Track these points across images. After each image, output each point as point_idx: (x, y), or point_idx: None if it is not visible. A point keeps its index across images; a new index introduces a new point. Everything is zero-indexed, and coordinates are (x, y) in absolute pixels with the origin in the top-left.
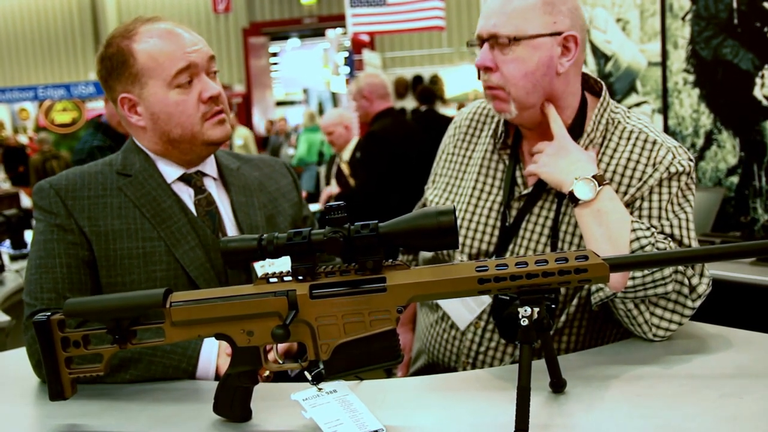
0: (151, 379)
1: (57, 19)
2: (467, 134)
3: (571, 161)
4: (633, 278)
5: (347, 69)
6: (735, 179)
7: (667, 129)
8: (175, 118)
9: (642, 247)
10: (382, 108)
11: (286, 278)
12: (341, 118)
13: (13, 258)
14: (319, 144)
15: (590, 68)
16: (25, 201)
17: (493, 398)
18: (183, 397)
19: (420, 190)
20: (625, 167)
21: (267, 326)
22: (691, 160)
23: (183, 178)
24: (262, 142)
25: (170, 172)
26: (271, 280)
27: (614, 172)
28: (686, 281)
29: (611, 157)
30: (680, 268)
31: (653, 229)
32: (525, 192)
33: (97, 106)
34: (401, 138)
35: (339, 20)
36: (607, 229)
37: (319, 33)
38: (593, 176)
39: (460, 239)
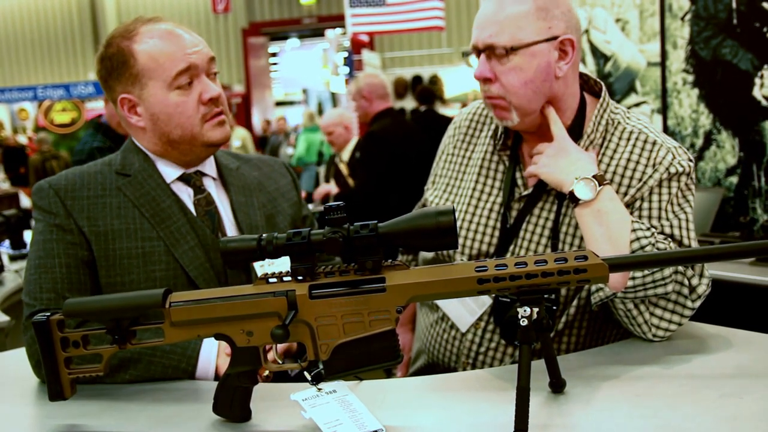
0: (151, 379)
1: (56, 18)
2: (467, 135)
3: (571, 161)
4: (633, 278)
5: (346, 69)
6: (734, 179)
7: (666, 129)
8: (175, 120)
9: (642, 248)
10: (381, 108)
11: (285, 278)
12: (341, 118)
13: (13, 258)
14: (319, 144)
15: (589, 68)
16: (25, 201)
17: (492, 398)
18: (182, 398)
19: (419, 190)
20: (625, 168)
21: (266, 326)
22: (690, 160)
23: (182, 178)
24: (258, 142)
25: (169, 172)
26: (271, 280)
27: (614, 172)
28: (686, 281)
29: (611, 158)
30: (680, 268)
31: (653, 230)
32: (525, 193)
33: (97, 106)
34: (401, 138)
35: (338, 20)
36: (607, 229)
37: (318, 33)
38: (593, 176)
39: (460, 240)
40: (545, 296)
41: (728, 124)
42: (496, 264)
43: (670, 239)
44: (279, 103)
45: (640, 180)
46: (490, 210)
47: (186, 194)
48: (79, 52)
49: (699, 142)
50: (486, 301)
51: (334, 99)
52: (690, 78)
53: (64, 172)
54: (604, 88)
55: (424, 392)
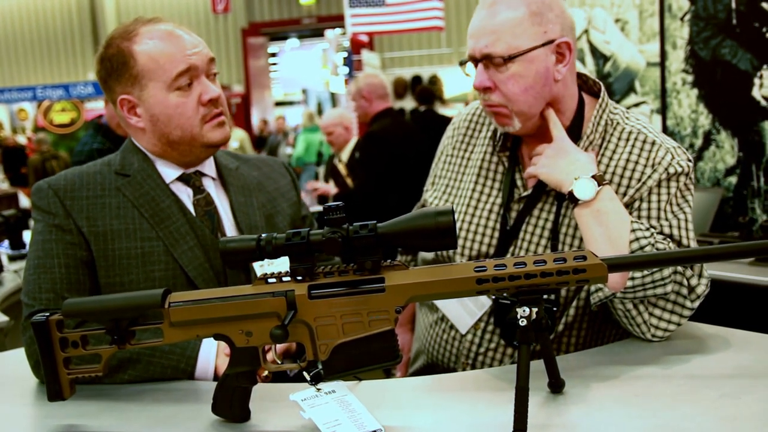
0: (150, 379)
1: (56, 19)
2: (466, 135)
3: (571, 161)
4: (632, 279)
5: (346, 69)
6: (733, 179)
7: (665, 129)
8: (174, 121)
9: (642, 248)
10: (381, 108)
11: (284, 278)
12: (341, 118)
13: (12, 258)
14: (318, 144)
15: (589, 68)
16: (24, 201)
17: (491, 398)
18: (182, 398)
19: (419, 190)
20: (624, 168)
21: (265, 326)
22: (689, 160)
23: (182, 178)
24: (256, 142)
25: (169, 172)
26: (270, 280)
27: (613, 173)
28: (685, 282)
29: (610, 158)
30: (679, 268)
31: (653, 230)
32: (525, 194)
33: (96, 107)
34: (400, 138)
35: (338, 20)
36: (606, 229)
37: (318, 33)
38: (593, 176)
39: (460, 242)
40: (545, 297)
41: (727, 125)
42: (495, 264)
43: (669, 239)
44: (278, 104)
45: (639, 180)
46: (490, 211)
47: (185, 194)
48: (79, 52)
49: (698, 142)
50: (485, 302)
51: (334, 99)
52: (689, 78)
53: (63, 172)
54: (603, 88)
55: (423, 392)
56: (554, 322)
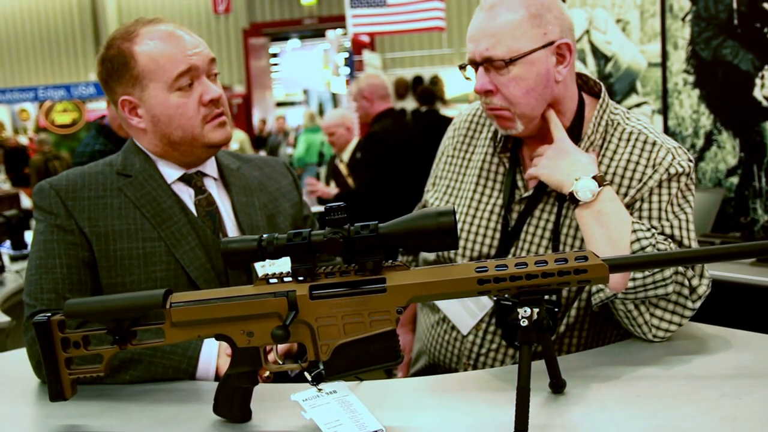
0: (151, 379)
1: (57, 19)
2: (466, 136)
3: (571, 162)
4: (633, 279)
5: (347, 70)
6: (735, 180)
7: (667, 130)
8: (175, 121)
9: (642, 248)
10: (382, 109)
11: (286, 279)
12: (343, 118)
13: (13, 259)
14: (319, 144)
15: (590, 69)
16: (25, 202)
17: (492, 399)
18: (183, 398)
19: (420, 190)
20: (625, 168)
21: (267, 327)
22: (690, 160)
23: (183, 179)
24: (255, 142)
25: (170, 172)
26: (271, 280)
27: (614, 173)
28: (686, 282)
29: (611, 159)
30: (680, 269)
31: (653, 230)
32: (525, 195)
33: (98, 107)
34: (401, 139)
35: (339, 21)
36: (607, 229)
37: (319, 34)
38: (593, 177)
39: (461, 243)
40: (546, 298)
41: (729, 125)
42: (497, 264)
43: (670, 240)
44: (280, 104)
45: (640, 181)
46: (491, 212)
47: (187, 195)
48: (80, 52)
49: (699, 142)
50: (486, 303)
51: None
52: (691, 78)
53: (65, 172)
54: (603, 89)
55: (424, 393)
56: (555, 323)
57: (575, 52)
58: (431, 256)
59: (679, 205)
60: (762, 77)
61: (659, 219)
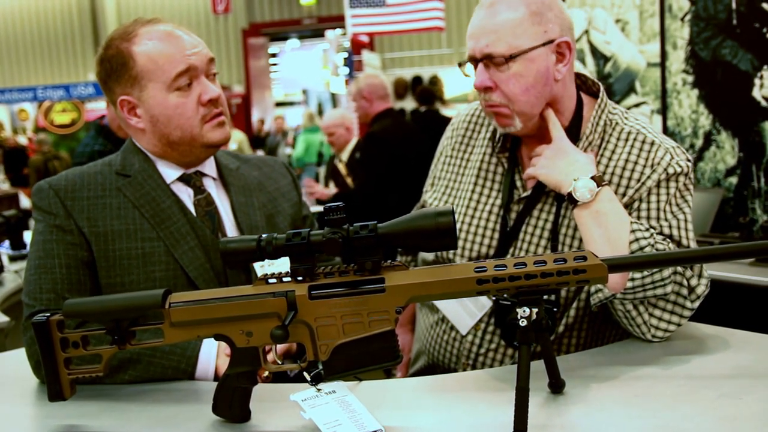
0: (150, 379)
1: (56, 19)
2: (465, 137)
3: (570, 162)
4: (632, 279)
5: (346, 70)
6: (734, 180)
7: (666, 130)
8: (174, 121)
9: (641, 248)
10: (381, 109)
11: (285, 279)
12: (343, 119)
13: (12, 259)
14: (318, 145)
15: (589, 69)
16: (24, 202)
17: (492, 399)
18: (182, 398)
19: (419, 190)
20: (624, 168)
21: (266, 327)
22: (689, 160)
23: (182, 179)
24: (253, 142)
25: (169, 172)
26: (270, 280)
27: (612, 173)
28: (685, 282)
29: (609, 159)
30: (679, 269)
31: (652, 230)
32: (524, 195)
33: (97, 107)
34: (400, 139)
35: (338, 21)
36: (606, 230)
37: (318, 34)
38: (592, 177)
39: (460, 243)
40: (545, 298)
41: (728, 125)
42: (496, 264)
43: (668, 240)
44: (279, 104)
45: (638, 180)
46: (489, 212)
47: (186, 195)
48: (79, 52)
49: (699, 142)
50: (485, 303)
51: (334, 100)
52: (690, 78)
53: (64, 172)
54: (602, 88)
55: (424, 393)
56: (554, 323)
57: (575, 51)
58: (430, 256)
59: (677, 205)
60: (761, 77)
61: (658, 219)
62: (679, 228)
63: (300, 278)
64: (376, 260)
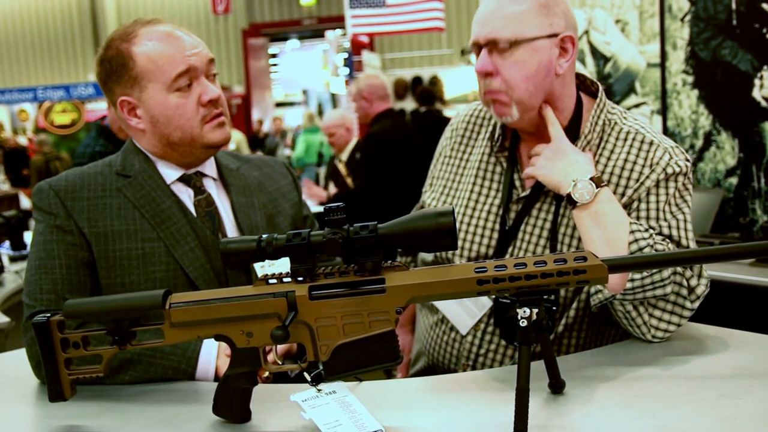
0: (151, 380)
1: (56, 20)
2: (464, 137)
3: (569, 163)
4: (632, 280)
5: (347, 70)
6: (734, 180)
7: (666, 130)
8: (174, 122)
9: (640, 249)
10: (381, 109)
11: (285, 279)
12: (343, 119)
13: (13, 259)
14: (318, 145)
15: (589, 69)
16: (25, 202)
17: (492, 399)
18: (182, 398)
19: (419, 191)
20: (623, 168)
21: (266, 327)
22: (688, 160)
23: (182, 179)
24: (251, 143)
25: (170, 173)
26: (271, 281)
27: (611, 173)
28: (685, 282)
29: (608, 159)
30: (679, 269)
31: (651, 231)
32: (523, 194)
33: (97, 108)
34: (401, 139)
35: (338, 21)
36: (605, 231)
37: (318, 34)
38: (591, 178)
39: (459, 243)
40: (545, 297)
41: (728, 125)
42: (496, 265)
43: (668, 240)
44: (279, 104)
45: (637, 180)
46: (488, 212)
47: (186, 195)
48: (80, 53)
49: (699, 143)
50: (485, 303)
51: (334, 100)
52: (690, 79)
53: (64, 173)
54: (601, 88)
55: (424, 393)
56: (554, 323)
57: (578, 49)
58: (429, 256)
59: (677, 205)
60: (761, 78)
61: (657, 219)
62: (678, 228)
63: (300, 279)
64: (377, 261)
